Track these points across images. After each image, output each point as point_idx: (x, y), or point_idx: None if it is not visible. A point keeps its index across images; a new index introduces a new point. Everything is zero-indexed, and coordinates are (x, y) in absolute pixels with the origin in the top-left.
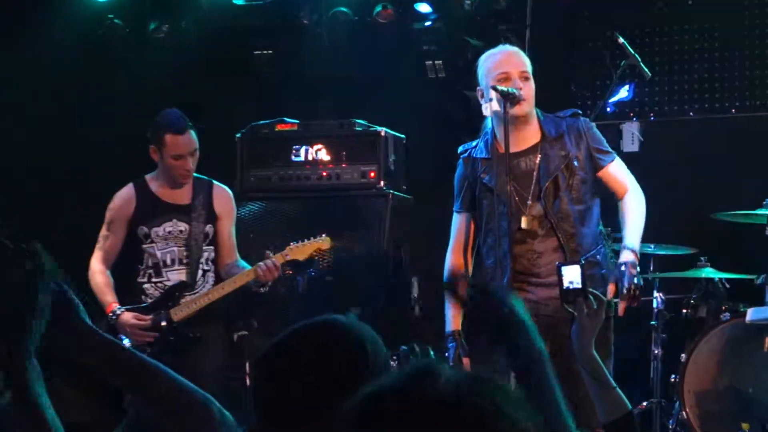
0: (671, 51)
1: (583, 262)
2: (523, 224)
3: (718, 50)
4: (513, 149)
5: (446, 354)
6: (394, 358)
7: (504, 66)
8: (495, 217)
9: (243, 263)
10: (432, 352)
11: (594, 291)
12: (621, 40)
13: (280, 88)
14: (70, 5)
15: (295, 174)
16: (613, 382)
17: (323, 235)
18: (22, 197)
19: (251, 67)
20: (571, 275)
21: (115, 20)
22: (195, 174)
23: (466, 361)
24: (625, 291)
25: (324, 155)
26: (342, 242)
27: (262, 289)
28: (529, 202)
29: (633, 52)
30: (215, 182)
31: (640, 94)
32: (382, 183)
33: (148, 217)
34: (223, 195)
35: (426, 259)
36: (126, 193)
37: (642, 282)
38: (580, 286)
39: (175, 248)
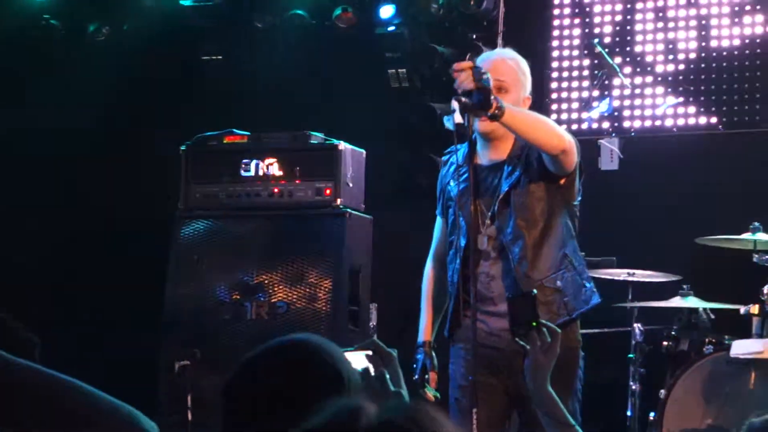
0: (653, 62)
1: (534, 292)
2: (479, 244)
3: (706, 61)
4: (484, 162)
5: (413, 366)
6: None
7: None
8: (456, 230)
9: None
10: (387, 376)
11: (548, 323)
12: (599, 48)
13: (229, 97)
14: (4, 4)
15: (245, 190)
16: (571, 420)
17: None
18: None
19: (198, 74)
20: (522, 307)
21: (51, 21)
22: None
23: (433, 375)
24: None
25: (276, 170)
26: (295, 266)
27: None
28: (488, 222)
29: (612, 62)
30: None
31: (620, 107)
32: (338, 201)
33: None
34: None
35: (386, 284)
36: None
37: (488, 84)
38: (531, 318)
39: None
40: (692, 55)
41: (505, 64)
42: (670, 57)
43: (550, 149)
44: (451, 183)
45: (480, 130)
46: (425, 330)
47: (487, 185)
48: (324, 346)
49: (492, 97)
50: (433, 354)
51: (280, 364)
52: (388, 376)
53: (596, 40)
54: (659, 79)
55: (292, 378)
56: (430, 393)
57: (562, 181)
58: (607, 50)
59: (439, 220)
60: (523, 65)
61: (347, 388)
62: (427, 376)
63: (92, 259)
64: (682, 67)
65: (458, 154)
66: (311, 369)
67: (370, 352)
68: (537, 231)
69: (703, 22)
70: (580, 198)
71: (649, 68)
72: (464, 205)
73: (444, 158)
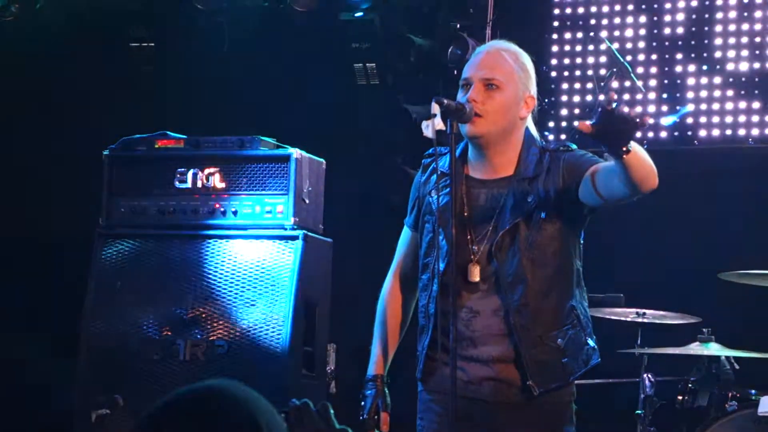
0: (672, 60)
1: None
2: (471, 276)
3: (735, 60)
4: (478, 175)
5: (362, 403)
6: (283, 414)
7: (469, 69)
8: (434, 250)
9: None
10: (331, 410)
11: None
12: (608, 44)
13: (162, 93)
14: None
15: (180, 205)
16: None
17: None
18: None
19: (126, 64)
20: None
21: None
22: None
23: (385, 416)
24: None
25: (217, 182)
26: (238, 297)
27: None
28: (475, 248)
29: (623, 60)
30: None
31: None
32: (293, 220)
33: None
34: None
35: (347, 320)
36: None
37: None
38: None
39: None
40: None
41: (499, 57)
42: (694, 56)
43: (645, 190)
44: (433, 194)
45: (468, 133)
46: (378, 361)
47: (480, 204)
48: (241, 394)
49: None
50: (386, 391)
51: (184, 421)
52: (332, 412)
53: (605, 35)
54: (679, 83)
55: None
56: None
57: (584, 212)
58: (617, 46)
59: (407, 232)
60: (523, 59)
61: None
62: (377, 417)
63: None
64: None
65: (443, 160)
66: (223, 425)
67: None
68: (545, 275)
69: None
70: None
71: (666, 69)
72: (446, 223)
73: (425, 161)
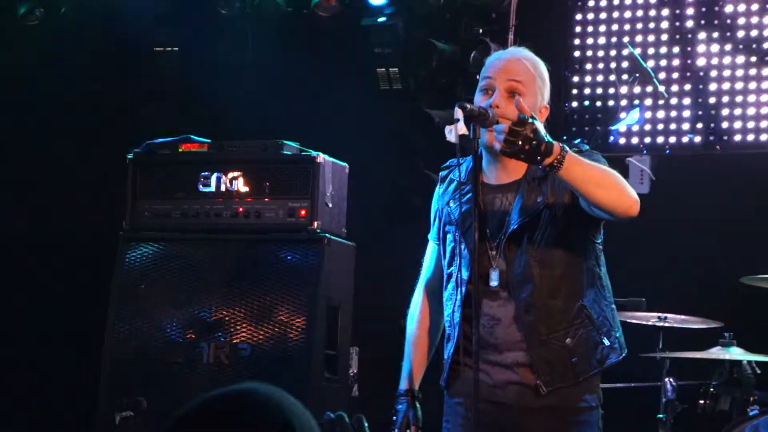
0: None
1: None
2: (490, 281)
3: (756, 65)
4: (492, 181)
5: (393, 418)
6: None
7: (492, 74)
8: (457, 260)
9: None
10: (365, 423)
11: None
12: (631, 49)
13: (186, 97)
14: None
15: (203, 209)
16: None
17: None
18: None
19: (149, 68)
20: None
21: None
22: None
23: (414, 431)
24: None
25: (241, 185)
26: (261, 300)
27: None
28: (493, 253)
29: (645, 65)
30: None
31: (653, 119)
32: (316, 224)
33: None
34: None
35: (369, 323)
36: None
37: (542, 140)
38: None
39: None
40: (740, 60)
41: (520, 64)
42: (715, 62)
43: (616, 213)
44: (451, 204)
45: (486, 142)
46: (409, 376)
47: (495, 210)
48: (275, 397)
49: (547, 141)
50: (417, 405)
51: (217, 424)
52: (366, 424)
53: (627, 40)
54: (700, 88)
55: None
56: None
57: (596, 220)
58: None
59: (432, 246)
60: (542, 68)
61: None
62: (408, 431)
63: (14, 283)
64: (727, 73)
65: (460, 170)
66: (256, 429)
67: None
68: (552, 277)
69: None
70: (603, 232)
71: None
72: (467, 231)
73: (442, 174)
